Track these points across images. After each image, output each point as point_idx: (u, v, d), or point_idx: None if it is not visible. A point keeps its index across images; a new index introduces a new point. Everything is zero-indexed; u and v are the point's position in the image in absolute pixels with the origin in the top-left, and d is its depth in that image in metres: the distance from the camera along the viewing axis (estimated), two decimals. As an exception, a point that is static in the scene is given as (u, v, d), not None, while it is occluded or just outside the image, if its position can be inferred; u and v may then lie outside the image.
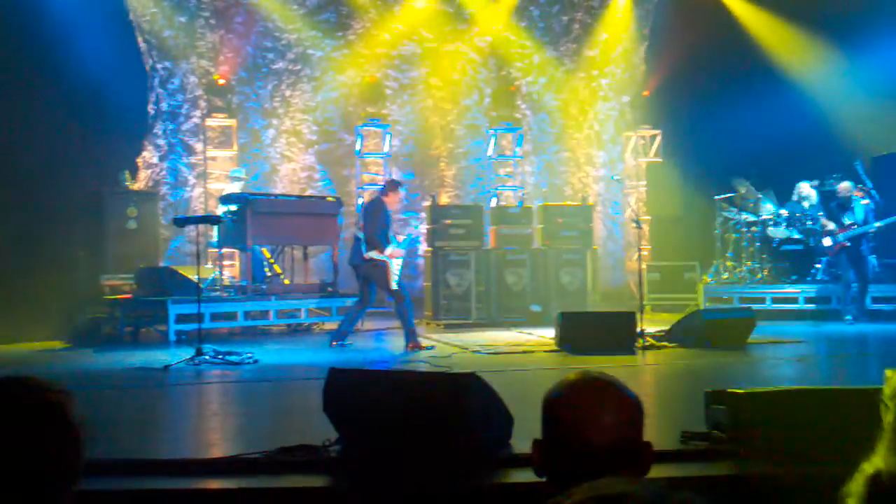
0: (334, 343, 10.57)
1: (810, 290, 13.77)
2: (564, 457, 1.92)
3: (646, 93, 17.20)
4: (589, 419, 1.90)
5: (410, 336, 10.40)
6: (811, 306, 13.65)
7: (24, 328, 11.22)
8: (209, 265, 13.49)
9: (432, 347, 10.52)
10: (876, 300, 13.49)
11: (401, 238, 10.89)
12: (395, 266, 10.43)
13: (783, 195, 14.41)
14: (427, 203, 14.20)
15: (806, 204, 14.06)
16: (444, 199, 15.53)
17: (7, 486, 1.71)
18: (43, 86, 11.96)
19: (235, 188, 13.34)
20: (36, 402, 1.78)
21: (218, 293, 12.54)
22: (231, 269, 14.33)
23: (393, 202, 10.81)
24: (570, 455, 1.91)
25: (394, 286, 10.45)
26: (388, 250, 10.40)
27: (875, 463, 1.81)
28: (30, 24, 12.20)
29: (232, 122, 15.01)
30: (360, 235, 10.60)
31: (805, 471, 3.96)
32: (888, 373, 1.92)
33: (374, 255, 10.42)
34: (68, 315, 11.54)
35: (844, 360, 10.08)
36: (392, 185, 10.93)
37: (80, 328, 11.47)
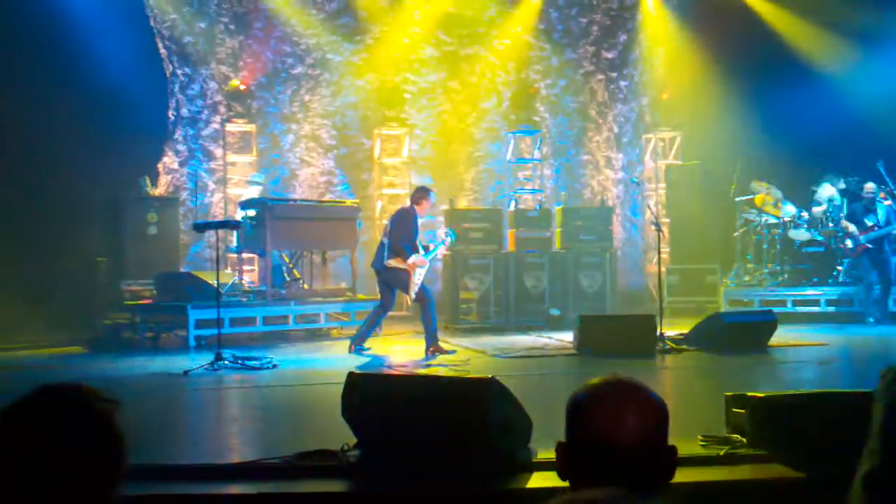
0: (353, 347, 10.57)
1: (832, 292, 13.66)
2: (587, 459, 1.91)
3: (664, 96, 17.11)
4: (613, 421, 1.89)
5: (432, 340, 10.38)
6: (833, 309, 13.54)
7: (45, 333, 11.29)
8: (229, 270, 13.52)
9: (453, 352, 10.49)
10: (899, 302, 13.36)
11: (431, 246, 10.87)
12: (418, 276, 10.42)
13: (805, 197, 14.30)
14: (445, 207, 14.20)
15: (825, 206, 13.94)
16: (462, 203, 15.50)
17: (50, 489, 1.79)
18: (64, 91, 12.04)
19: (254, 193, 13.37)
20: (85, 410, 1.86)
21: (237, 298, 12.58)
22: (250, 274, 14.36)
23: (423, 209, 10.79)
24: (593, 457, 1.89)
25: (413, 295, 10.47)
26: (412, 259, 10.39)
27: (866, 463, 1.81)
28: (51, 30, 12.28)
29: (251, 127, 15.05)
30: (385, 241, 10.60)
31: (825, 474, 3.92)
32: (883, 371, 1.94)
33: (394, 263, 10.42)
34: (88, 320, 11.60)
35: (867, 363, 9.98)
36: (422, 193, 10.89)
37: (100, 333, 11.52)
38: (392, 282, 10.57)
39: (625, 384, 1.96)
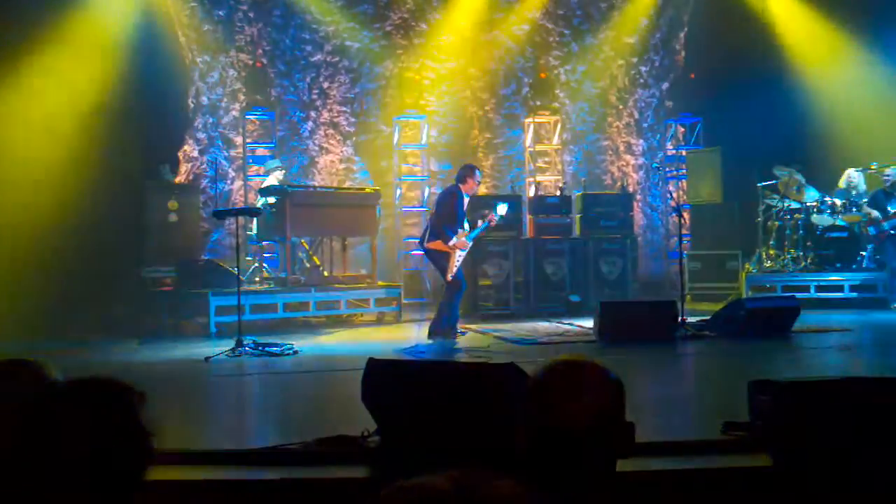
0: (453, 335, 10.44)
1: (855, 278, 13.53)
2: (546, 439, 1.95)
3: (692, 76, 16.93)
4: (567, 401, 1.93)
5: (442, 328, 10.32)
6: (856, 294, 13.42)
7: (66, 320, 11.33)
8: (249, 257, 13.55)
9: (464, 333, 10.61)
10: (923, 288, 13.23)
11: (479, 224, 10.61)
12: (458, 257, 10.33)
13: (829, 182, 14.18)
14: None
15: (854, 191, 13.82)
16: (481, 190, 15.42)
17: (72, 477, 1.85)
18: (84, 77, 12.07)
19: (275, 179, 13.35)
20: (109, 401, 1.93)
21: (258, 285, 12.60)
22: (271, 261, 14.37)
23: (470, 188, 10.57)
24: (551, 437, 1.94)
25: (450, 278, 10.37)
26: (452, 242, 10.31)
27: None
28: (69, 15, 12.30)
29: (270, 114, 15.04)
30: (429, 222, 10.58)
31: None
32: None
33: (433, 245, 10.34)
34: (110, 308, 11.64)
35: (891, 348, 9.91)
36: (468, 170, 10.67)
37: (121, 321, 11.57)
38: (433, 263, 10.63)
39: (576, 364, 2.00)
